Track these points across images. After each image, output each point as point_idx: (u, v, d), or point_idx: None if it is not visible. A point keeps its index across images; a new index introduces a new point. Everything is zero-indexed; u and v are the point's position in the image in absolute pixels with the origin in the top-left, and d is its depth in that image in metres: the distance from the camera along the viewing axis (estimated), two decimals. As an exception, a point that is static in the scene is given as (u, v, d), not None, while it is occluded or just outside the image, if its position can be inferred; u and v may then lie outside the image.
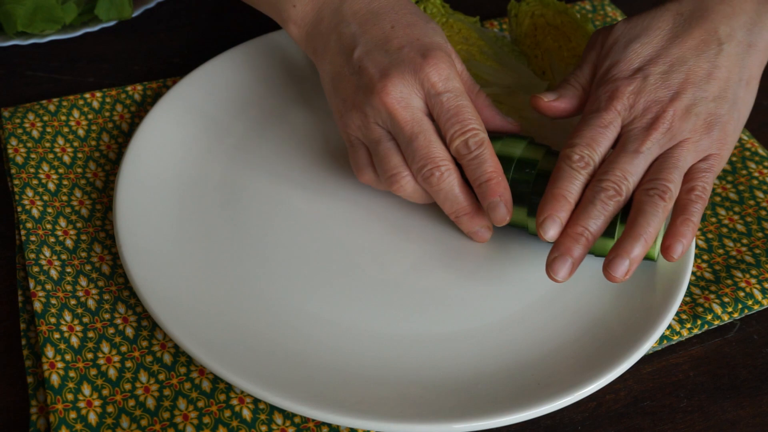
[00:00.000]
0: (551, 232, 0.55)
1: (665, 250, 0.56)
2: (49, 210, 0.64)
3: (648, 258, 0.60)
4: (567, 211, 0.56)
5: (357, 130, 0.62)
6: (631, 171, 0.56)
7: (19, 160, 0.67)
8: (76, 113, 0.72)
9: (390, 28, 0.61)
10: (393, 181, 0.61)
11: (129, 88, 0.74)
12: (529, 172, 0.60)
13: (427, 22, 0.62)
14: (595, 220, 0.55)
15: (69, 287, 0.60)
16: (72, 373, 0.55)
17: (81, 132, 0.71)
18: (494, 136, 0.63)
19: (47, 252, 0.61)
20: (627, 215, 0.57)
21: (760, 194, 0.69)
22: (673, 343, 0.60)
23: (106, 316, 0.59)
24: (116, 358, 0.57)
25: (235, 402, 0.55)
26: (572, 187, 0.56)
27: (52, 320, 0.57)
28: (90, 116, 0.72)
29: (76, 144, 0.70)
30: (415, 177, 0.60)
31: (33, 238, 0.62)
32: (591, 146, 0.57)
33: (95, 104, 0.73)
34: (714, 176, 0.59)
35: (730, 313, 0.61)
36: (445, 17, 0.73)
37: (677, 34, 0.60)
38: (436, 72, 0.59)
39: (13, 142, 0.68)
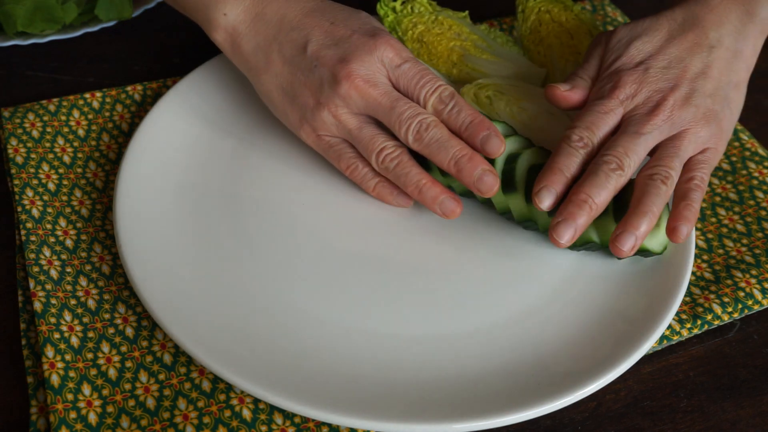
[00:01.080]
0: (547, 201, 0.58)
1: (671, 232, 0.58)
2: (49, 210, 0.64)
3: (653, 253, 0.60)
4: (563, 183, 0.58)
5: (331, 128, 0.63)
6: (632, 149, 0.59)
7: (19, 160, 0.67)
8: (76, 113, 0.72)
9: (330, 24, 0.63)
10: (386, 157, 0.62)
11: (129, 88, 0.74)
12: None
13: (359, 13, 0.66)
14: (599, 190, 0.57)
15: (69, 287, 0.60)
16: (72, 373, 0.55)
17: (81, 132, 0.71)
18: None
19: (47, 252, 0.61)
20: (618, 211, 0.59)
21: (760, 194, 0.69)
22: (673, 343, 0.60)
23: (106, 316, 0.59)
24: (116, 358, 0.57)
25: (235, 402, 0.55)
26: (569, 162, 0.59)
27: (52, 320, 0.57)
28: (90, 116, 0.72)
29: (76, 144, 0.70)
30: (407, 140, 0.61)
31: (33, 238, 0.62)
32: (590, 129, 0.60)
33: (95, 104, 0.73)
34: (710, 169, 0.62)
35: (730, 313, 0.61)
36: (434, 14, 0.73)
37: (673, 35, 0.64)
38: (391, 47, 0.62)
39: (13, 142, 0.68)
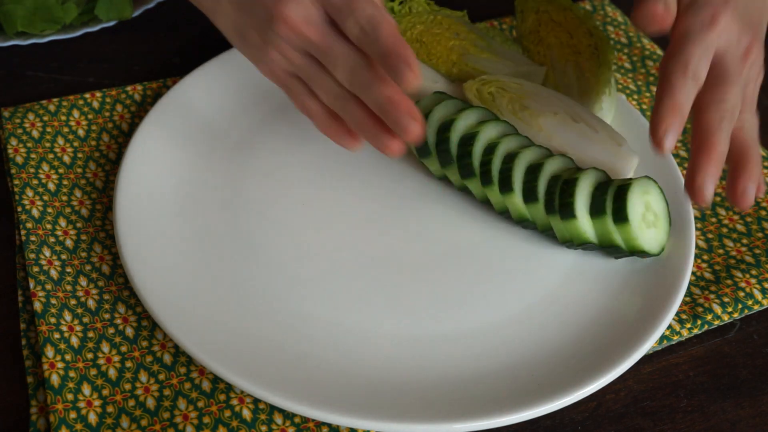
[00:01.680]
0: (671, 143, 0.56)
1: (743, 194, 0.57)
2: (49, 210, 0.64)
3: (650, 254, 0.60)
4: (683, 122, 0.56)
5: (281, 65, 0.60)
6: (739, 99, 0.58)
7: (19, 160, 0.67)
8: (76, 113, 0.72)
9: None
10: (332, 95, 0.59)
11: (129, 88, 0.74)
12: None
13: None
14: (726, 142, 0.57)
15: (69, 287, 0.60)
16: (72, 373, 0.55)
17: (81, 132, 0.71)
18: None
19: (47, 252, 0.61)
20: (617, 212, 0.59)
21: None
22: (673, 343, 0.60)
23: (106, 316, 0.59)
24: (116, 358, 0.57)
25: (235, 402, 0.55)
26: (688, 98, 0.57)
27: (52, 320, 0.57)
28: (90, 116, 0.72)
29: (76, 144, 0.70)
30: (342, 82, 0.59)
31: (33, 238, 0.62)
32: (702, 62, 0.57)
33: (95, 104, 0.73)
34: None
35: (730, 313, 0.61)
36: (432, 14, 0.73)
37: None
38: None
39: (13, 142, 0.68)
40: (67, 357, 0.56)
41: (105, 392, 0.55)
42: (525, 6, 0.75)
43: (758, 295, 0.62)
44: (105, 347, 0.57)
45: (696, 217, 0.68)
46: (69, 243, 0.63)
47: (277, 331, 0.57)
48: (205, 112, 0.71)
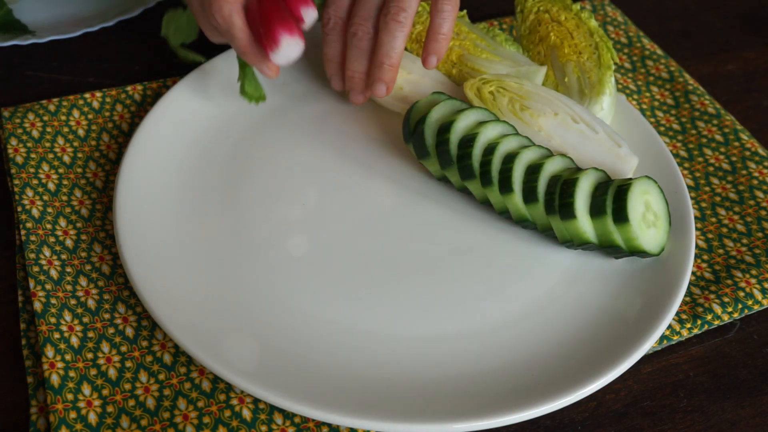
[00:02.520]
0: (336, 85, 0.71)
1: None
2: (49, 210, 0.64)
3: (650, 254, 0.60)
4: (338, 67, 0.69)
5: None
6: (366, 14, 0.67)
7: (19, 160, 0.67)
8: (76, 113, 0.72)
9: None
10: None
11: (129, 88, 0.74)
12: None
13: None
14: (356, 61, 0.67)
15: (69, 287, 0.60)
16: (72, 373, 0.55)
17: (81, 132, 0.71)
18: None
19: (47, 252, 0.61)
20: (617, 212, 0.60)
21: (760, 194, 0.69)
22: (673, 343, 0.60)
23: (106, 316, 0.59)
24: (116, 358, 0.57)
25: (235, 402, 0.55)
26: (332, 49, 0.69)
27: (52, 320, 0.57)
28: (90, 116, 0.72)
29: (76, 144, 0.70)
30: None
31: (33, 238, 0.62)
32: (335, 6, 0.68)
33: (95, 104, 0.73)
34: None
35: (730, 313, 0.61)
36: None
37: None
38: None
39: (13, 142, 0.68)
40: (67, 357, 0.56)
41: (105, 392, 0.55)
42: (525, 6, 0.75)
43: (758, 295, 0.62)
44: (105, 347, 0.57)
45: (696, 217, 0.68)
46: (69, 243, 0.63)
47: (277, 331, 0.57)
48: (205, 112, 0.71)
